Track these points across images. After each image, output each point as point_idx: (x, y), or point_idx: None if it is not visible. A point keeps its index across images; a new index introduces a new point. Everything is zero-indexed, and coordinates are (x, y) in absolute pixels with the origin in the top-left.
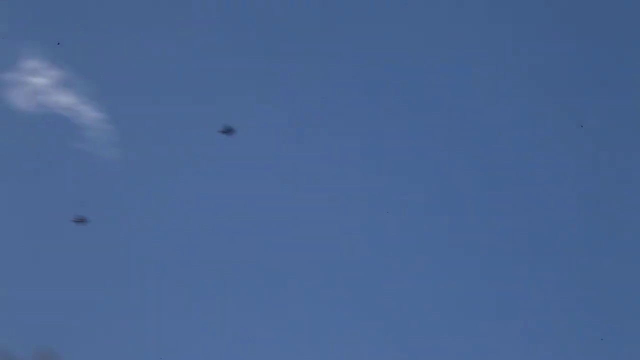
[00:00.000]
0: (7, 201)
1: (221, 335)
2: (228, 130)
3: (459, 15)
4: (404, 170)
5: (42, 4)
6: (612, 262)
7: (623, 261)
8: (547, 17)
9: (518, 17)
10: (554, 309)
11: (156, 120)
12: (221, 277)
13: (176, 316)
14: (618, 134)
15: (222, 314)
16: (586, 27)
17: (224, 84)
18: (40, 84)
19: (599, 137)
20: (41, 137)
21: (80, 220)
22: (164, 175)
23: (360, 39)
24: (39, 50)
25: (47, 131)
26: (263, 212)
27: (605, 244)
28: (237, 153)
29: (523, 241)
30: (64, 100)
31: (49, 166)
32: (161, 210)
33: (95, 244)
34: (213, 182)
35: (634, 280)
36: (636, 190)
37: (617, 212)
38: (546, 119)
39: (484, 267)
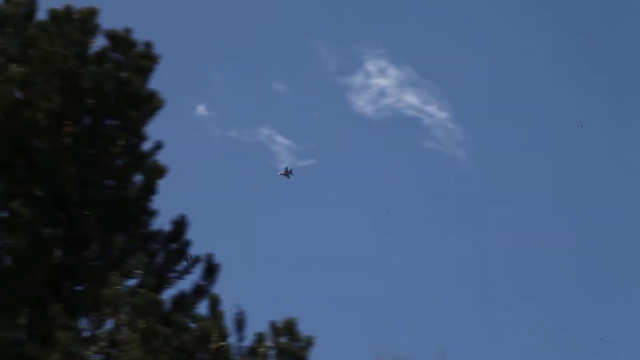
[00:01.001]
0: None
1: None
2: (287, 173)
3: None
4: None
5: (382, 6)
6: None
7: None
8: None
9: None
10: None
11: (503, 117)
12: None
13: None
14: None
15: None
16: None
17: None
18: (385, 85)
19: None
20: (390, 138)
21: (286, 174)
22: (514, 177)
23: None
24: (381, 51)
25: (395, 132)
26: None
27: None
28: None
29: None
30: (410, 100)
31: (399, 167)
32: (510, 213)
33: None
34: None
35: None
36: None
37: None
38: None
39: None
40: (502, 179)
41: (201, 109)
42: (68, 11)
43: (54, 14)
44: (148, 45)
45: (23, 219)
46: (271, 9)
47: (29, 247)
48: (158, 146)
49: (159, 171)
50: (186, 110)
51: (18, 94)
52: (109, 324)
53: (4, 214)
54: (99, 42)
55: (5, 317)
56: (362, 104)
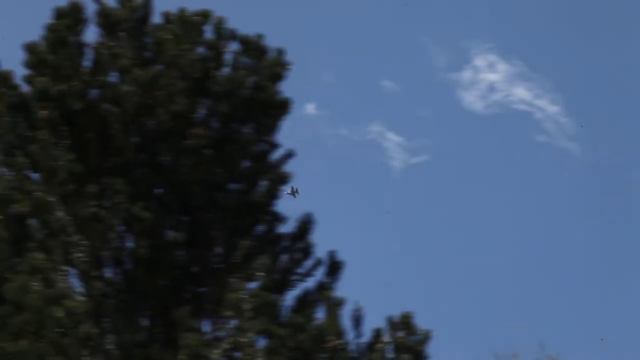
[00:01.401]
0: (479, 205)
1: None
2: (293, 192)
3: None
4: None
5: (490, 0)
6: None
7: None
8: None
9: None
10: None
11: (616, 109)
12: None
13: None
14: None
15: None
16: None
17: None
18: (494, 80)
19: None
20: (501, 133)
21: (292, 193)
22: (628, 170)
23: None
24: (490, 46)
25: (505, 127)
26: None
27: None
28: None
29: None
30: (520, 94)
31: (511, 162)
32: (625, 206)
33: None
34: None
35: None
36: None
37: None
38: None
39: None
40: (616, 172)
41: (310, 108)
42: (194, 15)
43: (180, 18)
44: (280, 52)
45: (145, 222)
46: (379, 7)
47: (151, 250)
48: (289, 154)
49: (284, 178)
50: (295, 109)
51: (142, 96)
52: (231, 327)
53: (126, 217)
54: (229, 46)
55: (128, 319)
56: (471, 99)
